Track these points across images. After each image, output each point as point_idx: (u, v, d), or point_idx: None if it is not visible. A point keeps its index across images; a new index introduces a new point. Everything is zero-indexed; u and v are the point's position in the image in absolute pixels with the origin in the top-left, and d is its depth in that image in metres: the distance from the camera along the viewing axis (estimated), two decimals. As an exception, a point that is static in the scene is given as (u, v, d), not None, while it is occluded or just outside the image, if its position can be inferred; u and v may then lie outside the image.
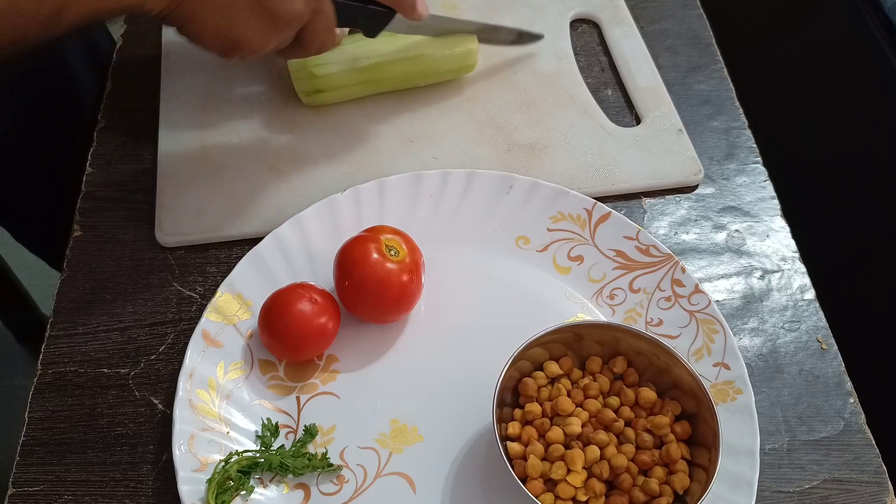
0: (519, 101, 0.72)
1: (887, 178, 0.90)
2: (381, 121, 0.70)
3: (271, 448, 0.53)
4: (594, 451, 0.50)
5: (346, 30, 0.68)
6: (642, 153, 0.68)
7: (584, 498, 0.49)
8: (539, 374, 0.54)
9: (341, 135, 0.69)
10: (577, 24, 0.79)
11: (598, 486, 0.49)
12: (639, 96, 0.72)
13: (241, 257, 0.60)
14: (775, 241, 0.65)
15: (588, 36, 0.78)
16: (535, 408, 0.52)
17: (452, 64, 0.69)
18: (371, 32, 0.63)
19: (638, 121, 0.71)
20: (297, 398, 0.56)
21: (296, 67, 0.67)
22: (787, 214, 0.67)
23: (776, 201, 0.67)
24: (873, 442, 0.56)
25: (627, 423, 0.52)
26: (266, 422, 0.54)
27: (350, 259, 0.56)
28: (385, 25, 0.63)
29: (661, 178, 0.67)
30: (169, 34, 0.76)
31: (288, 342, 0.55)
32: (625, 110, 0.73)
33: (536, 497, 0.48)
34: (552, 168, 0.67)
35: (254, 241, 0.61)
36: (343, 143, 0.68)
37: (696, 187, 0.67)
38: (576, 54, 0.76)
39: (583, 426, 0.51)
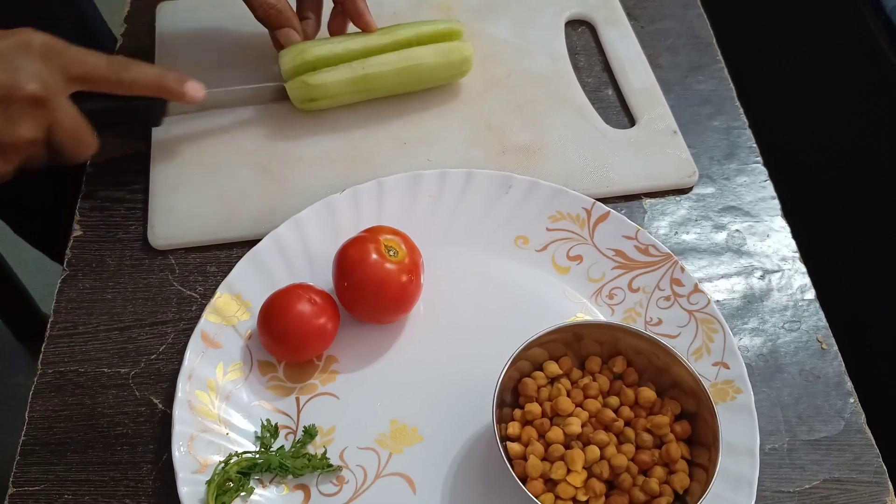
0: (513, 103, 0.72)
1: (887, 179, 0.90)
2: (374, 123, 0.70)
3: (271, 449, 0.53)
4: (594, 450, 0.50)
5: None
6: (637, 155, 0.68)
7: (584, 498, 0.49)
8: (539, 374, 0.54)
9: (335, 137, 0.69)
10: (576, 23, 0.79)
11: (599, 486, 0.49)
12: (633, 98, 0.72)
13: (241, 258, 0.60)
14: (775, 241, 0.65)
15: (588, 35, 0.78)
16: (534, 408, 0.52)
17: (448, 71, 0.70)
18: (153, 123, 0.65)
19: (633, 122, 0.71)
20: (297, 399, 0.56)
21: (290, 77, 0.67)
22: (787, 214, 0.67)
23: (776, 201, 0.67)
24: (873, 442, 0.56)
25: (627, 423, 0.52)
26: (265, 423, 0.54)
27: (349, 260, 0.56)
28: (164, 114, 0.64)
29: (655, 180, 0.67)
30: (164, 35, 0.75)
31: (287, 343, 0.55)
32: (625, 110, 0.72)
33: (536, 497, 0.48)
34: (546, 170, 0.67)
35: (252, 243, 0.61)
36: (337, 146, 0.68)
37: (691, 188, 0.67)
38: (576, 54, 0.76)
39: (582, 426, 0.51)
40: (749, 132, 0.71)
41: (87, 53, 0.55)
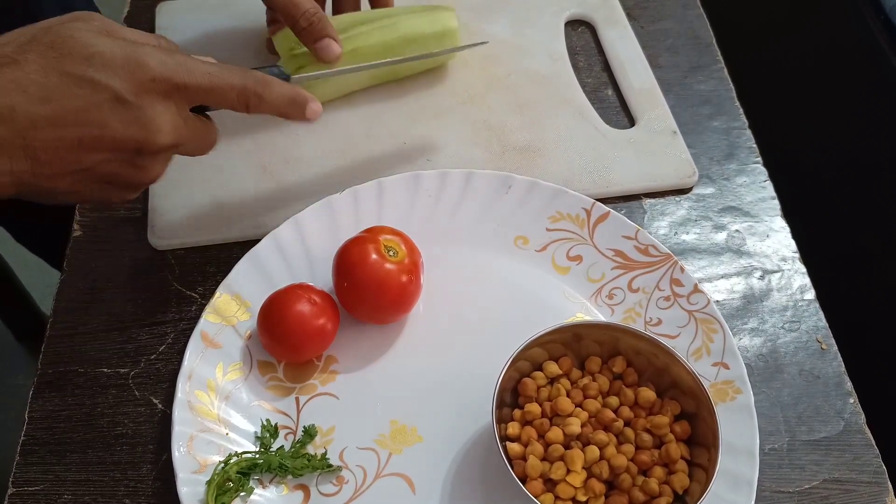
0: (513, 102, 0.72)
1: (887, 179, 0.90)
2: (374, 122, 0.70)
3: (270, 449, 0.53)
4: (594, 451, 0.50)
5: None
6: (636, 155, 0.68)
7: (583, 498, 0.49)
8: (538, 374, 0.54)
9: (334, 136, 0.69)
10: (576, 23, 0.79)
11: (598, 486, 0.49)
12: (633, 98, 0.72)
13: (241, 258, 0.60)
14: (775, 241, 0.65)
15: (588, 35, 0.78)
16: (534, 408, 0.52)
17: (435, 41, 0.68)
18: None
19: (632, 122, 0.71)
20: (297, 399, 0.56)
21: (283, 50, 0.66)
22: (787, 214, 0.67)
23: (776, 201, 0.67)
24: (873, 442, 0.56)
25: (627, 423, 0.52)
26: (265, 423, 0.54)
27: (349, 260, 0.56)
28: None
29: (655, 180, 0.67)
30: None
31: (287, 343, 0.55)
32: (625, 110, 0.72)
33: (536, 497, 0.48)
34: (546, 170, 0.67)
35: (252, 243, 0.61)
36: (336, 145, 0.68)
37: (691, 189, 0.67)
38: (576, 54, 0.76)
39: (582, 426, 0.51)
40: (749, 132, 0.71)
41: (215, 78, 0.50)
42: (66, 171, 0.47)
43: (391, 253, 0.56)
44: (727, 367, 0.56)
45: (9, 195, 0.47)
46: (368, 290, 0.55)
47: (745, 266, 0.64)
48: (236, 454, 0.52)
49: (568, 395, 0.53)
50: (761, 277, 0.63)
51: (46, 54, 0.45)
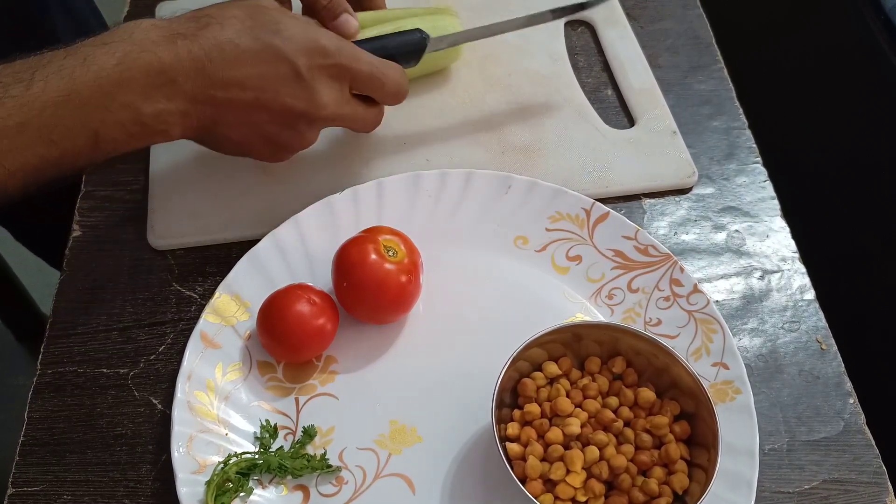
0: (513, 102, 0.72)
1: (887, 179, 0.90)
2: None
3: (270, 449, 0.53)
4: (593, 451, 0.50)
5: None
6: (636, 155, 0.68)
7: (583, 498, 0.49)
8: (538, 374, 0.54)
9: (334, 137, 0.69)
10: (576, 23, 0.79)
11: (598, 487, 0.49)
12: (633, 98, 0.72)
13: (241, 258, 0.60)
14: (775, 241, 0.65)
15: (588, 35, 0.78)
16: (534, 408, 0.52)
17: (435, 32, 0.67)
18: (407, 65, 0.63)
19: (632, 122, 0.71)
20: (296, 399, 0.56)
21: None
22: (787, 214, 0.67)
23: (776, 201, 0.67)
24: (873, 442, 0.56)
25: (626, 424, 0.52)
26: (265, 423, 0.54)
27: (348, 260, 0.56)
28: (419, 57, 0.63)
29: (655, 180, 0.67)
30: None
31: (286, 343, 0.55)
32: (624, 110, 0.72)
33: (536, 497, 0.48)
34: (546, 170, 0.67)
35: (251, 243, 0.61)
36: (335, 145, 0.68)
37: (691, 189, 0.67)
38: (575, 54, 0.76)
39: (582, 427, 0.51)
40: (749, 132, 0.71)
41: (377, 69, 0.58)
42: (236, 123, 0.55)
43: (391, 253, 0.56)
44: (727, 368, 0.56)
45: (179, 137, 0.54)
46: (368, 290, 0.55)
47: (744, 266, 0.64)
48: (236, 454, 0.52)
49: (567, 396, 0.53)
50: (761, 277, 0.63)
51: (243, 20, 0.53)
